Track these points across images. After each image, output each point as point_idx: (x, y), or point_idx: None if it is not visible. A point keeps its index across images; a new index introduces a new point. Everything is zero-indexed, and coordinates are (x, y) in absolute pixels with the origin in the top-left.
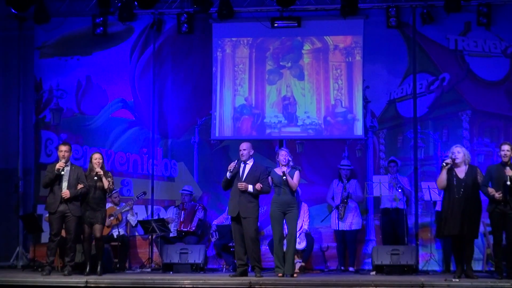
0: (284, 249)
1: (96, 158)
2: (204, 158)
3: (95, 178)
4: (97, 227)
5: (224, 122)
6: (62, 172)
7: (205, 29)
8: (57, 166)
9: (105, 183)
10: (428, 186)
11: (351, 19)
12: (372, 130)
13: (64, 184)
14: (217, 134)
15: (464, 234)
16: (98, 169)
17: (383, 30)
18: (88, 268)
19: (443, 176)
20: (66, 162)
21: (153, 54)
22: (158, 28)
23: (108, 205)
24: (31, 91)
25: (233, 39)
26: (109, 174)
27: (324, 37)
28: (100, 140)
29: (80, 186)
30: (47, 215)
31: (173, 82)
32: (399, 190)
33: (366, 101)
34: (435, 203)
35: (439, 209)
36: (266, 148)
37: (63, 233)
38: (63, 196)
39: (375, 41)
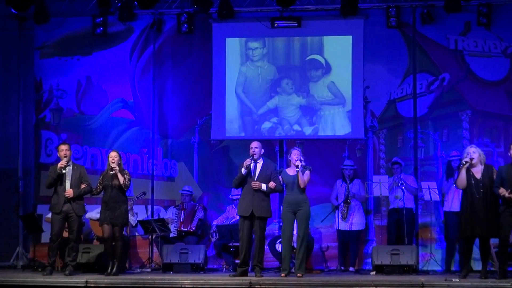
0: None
1: (111, 156)
2: (204, 158)
3: (111, 173)
4: (117, 229)
5: (224, 121)
6: (64, 171)
7: (205, 29)
8: (59, 165)
9: (121, 179)
10: (428, 186)
11: (351, 19)
12: (372, 130)
13: (67, 184)
14: (217, 134)
15: (487, 235)
16: (113, 165)
17: (383, 30)
18: (110, 268)
19: (463, 176)
20: (67, 161)
21: (153, 54)
22: (158, 28)
23: None
24: (31, 91)
25: (233, 38)
26: (126, 171)
27: (324, 36)
28: (100, 140)
29: (83, 185)
30: (47, 215)
31: (173, 82)
32: (402, 188)
33: (366, 101)
34: (442, 202)
35: (447, 209)
36: (266, 148)
37: (64, 233)
38: (67, 196)
39: (375, 41)
